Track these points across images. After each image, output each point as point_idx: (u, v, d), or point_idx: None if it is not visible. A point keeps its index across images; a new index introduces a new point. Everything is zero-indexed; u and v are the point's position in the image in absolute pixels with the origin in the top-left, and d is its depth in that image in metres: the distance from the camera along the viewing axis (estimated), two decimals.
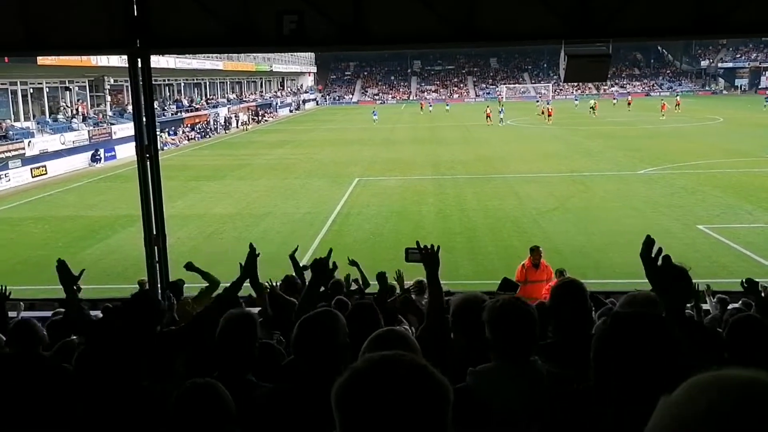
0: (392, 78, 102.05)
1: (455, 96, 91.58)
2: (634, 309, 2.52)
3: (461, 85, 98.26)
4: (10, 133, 28.48)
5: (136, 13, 7.91)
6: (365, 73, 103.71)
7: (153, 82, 9.30)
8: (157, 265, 9.03)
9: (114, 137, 35.62)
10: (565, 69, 8.02)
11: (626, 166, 27.47)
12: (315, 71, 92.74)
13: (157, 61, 35.66)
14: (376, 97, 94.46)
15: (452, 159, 31.14)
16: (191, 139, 45.44)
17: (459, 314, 2.88)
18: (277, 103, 71.59)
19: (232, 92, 63.47)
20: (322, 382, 2.44)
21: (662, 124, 46.22)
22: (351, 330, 2.58)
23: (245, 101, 63.00)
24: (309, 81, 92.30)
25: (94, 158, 33.13)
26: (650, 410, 0.93)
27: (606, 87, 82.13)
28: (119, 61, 28.84)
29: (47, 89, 33.73)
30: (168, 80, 48.83)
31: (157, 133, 9.76)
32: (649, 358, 1.48)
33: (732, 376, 0.90)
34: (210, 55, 48.86)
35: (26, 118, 31.61)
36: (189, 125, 47.23)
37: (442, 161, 30.72)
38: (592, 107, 55.02)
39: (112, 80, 39.17)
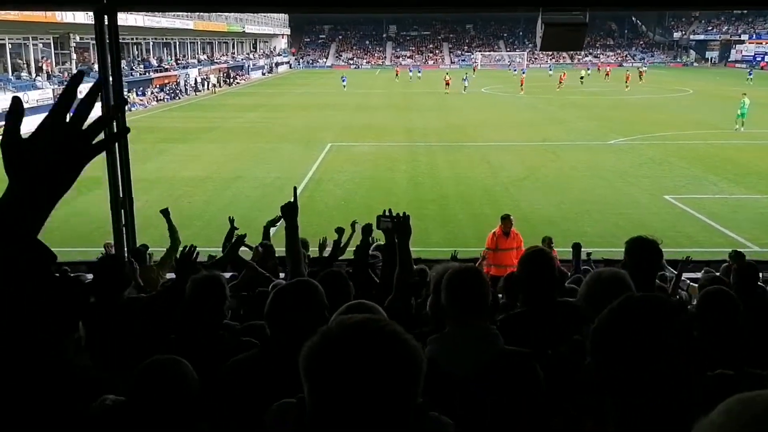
0: (367, 42, 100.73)
1: (430, 62, 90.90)
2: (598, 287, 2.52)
3: (437, 51, 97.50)
4: None
5: None
6: (340, 37, 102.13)
7: (120, 41, 9.00)
8: (124, 228, 8.89)
9: (79, 96, 34.56)
10: (542, 37, 7.98)
11: (597, 136, 27.73)
12: (288, 33, 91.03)
13: (125, 18, 34.56)
14: (351, 62, 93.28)
15: (425, 126, 31.06)
16: (160, 100, 44.44)
17: (452, 284, 2.85)
18: (249, 66, 70.24)
19: (203, 53, 62.05)
20: (293, 349, 2.49)
21: (627, 95, 46.63)
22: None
23: (216, 62, 61.68)
24: (282, 43, 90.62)
25: None
26: (657, 403, 0.87)
27: (580, 57, 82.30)
28: (86, 17, 27.84)
29: (9, 45, 32.49)
30: (136, 39, 47.45)
31: (125, 93, 9.51)
32: (665, 350, 1.37)
33: None
34: (180, 13, 47.52)
35: None
36: (158, 86, 46.11)
37: (415, 128, 30.61)
38: (582, 78, 54.52)
39: (78, 38, 37.89)
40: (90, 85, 1.16)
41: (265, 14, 71.23)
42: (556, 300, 3.03)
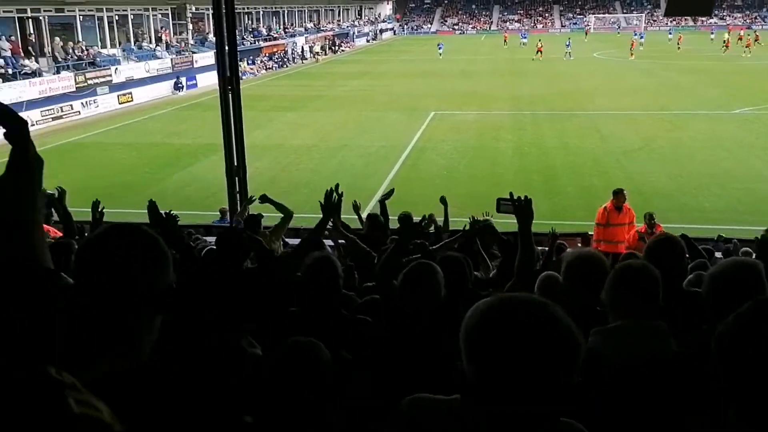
0: (473, 7, 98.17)
1: (539, 26, 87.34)
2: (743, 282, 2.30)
3: (546, 15, 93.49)
4: (98, 60, 29.50)
5: None
6: (445, 2, 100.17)
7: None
8: (238, 195, 9.32)
9: (195, 65, 36.32)
10: (667, 2, 7.41)
11: (720, 104, 25.66)
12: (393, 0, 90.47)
13: None
14: (456, 27, 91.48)
15: (532, 93, 30.05)
16: (269, 68, 45.75)
17: (574, 272, 2.76)
18: (354, 33, 70.64)
19: (310, 21, 63.01)
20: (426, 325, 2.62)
21: (754, 60, 42.63)
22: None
23: (323, 30, 62.48)
24: (387, 10, 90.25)
25: (177, 86, 34.01)
26: None
27: (704, 19, 76.04)
28: None
29: (131, 16, 34.48)
30: (247, 8, 48.89)
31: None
32: None
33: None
34: None
35: (112, 46, 32.58)
36: (267, 54, 47.43)
37: (521, 95, 29.70)
38: (725, 42, 48.46)
39: (193, 8, 39.57)
40: None
41: None
42: (683, 291, 2.84)
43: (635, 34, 54.79)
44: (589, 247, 9.31)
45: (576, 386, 1.19)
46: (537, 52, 46.46)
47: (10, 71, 24.23)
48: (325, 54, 57.16)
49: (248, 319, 2.86)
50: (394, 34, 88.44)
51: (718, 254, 7.42)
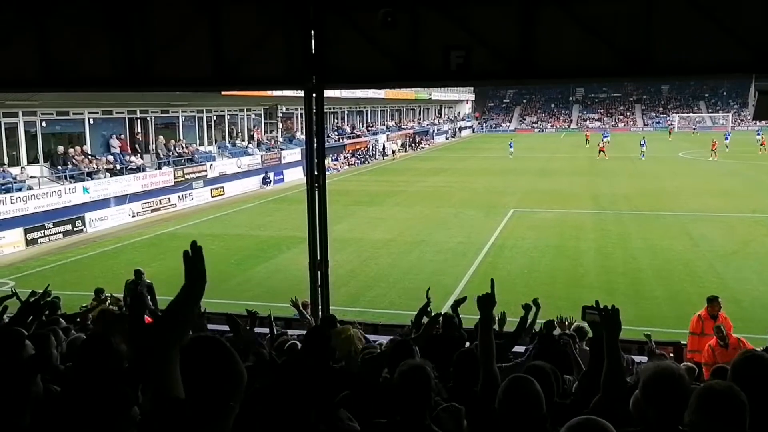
0: (552, 106, 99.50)
1: (620, 125, 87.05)
2: None
3: (627, 114, 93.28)
4: (196, 156, 31.65)
5: (313, 51, 8.44)
6: (524, 101, 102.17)
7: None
8: (320, 289, 9.47)
9: (283, 162, 38.22)
10: (756, 105, 7.26)
11: None
12: (473, 99, 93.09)
13: (327, 90, 37.78)
14: (535, 125, 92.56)
15: (614, 192, 29.53)
16: (351, 164, 47.49)
17: (652, 387, 2.61)
18: (433, 131, 72.74)
19: (392, 120, 65.53)
20: None
21: None
22: None
23: (403, 128, 64.71)
24: (466, 108, 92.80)
25: (265, 181, 35.75)
26: None
27: None
28: (292, 90, 30.87)
29: (228, 116, 37.08)
30: (333, 108, 51.60)
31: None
32: None
33: None
34: None
35: (209, 143, 34.97)
36: (350, 151, 49.42)
37: (602, 194, 29.24)
38: None
39: (284, 108, 42.15)
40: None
41: None
42: None
43: (726, 136, 52.83)
44: (681, 358, 8.76)
45: None
46: (599, 152, 45.99)
47: (118, 167, 26.36)
48: (405, 151, 58.87)
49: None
50: (473, 131, 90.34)
51: None
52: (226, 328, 8.09)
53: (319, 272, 9.34)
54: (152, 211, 27.00)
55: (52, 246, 21.28)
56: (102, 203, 24.62)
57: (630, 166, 40.98)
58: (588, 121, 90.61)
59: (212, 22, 8.54)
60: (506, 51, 7.76)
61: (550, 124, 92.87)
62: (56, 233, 22.13)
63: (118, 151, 27.29)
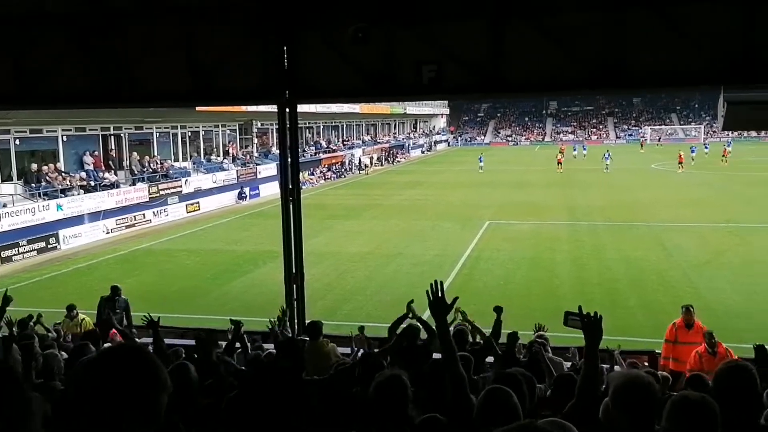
0: (526, 119, 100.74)
1: (593, 138, 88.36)
2: None
3: (600, 127, 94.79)
4: (171, 172, 31.36)
5: (287, 66, 8.45)
6: (498, 114, 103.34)
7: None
8: (295, 302, 9.41)
9: (259, 176, 38.06)
10: (725, 117, 7.42)
11: None
12: (447, 113, 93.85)
13: (300, 105, 37.80)
14: (509, 139, 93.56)
15: (588, 204, 29.90)
16: (327, 178, 47.46)
17: (622, 395, 2.63)
18: (409, 145, 73.09)
19: (367, 134, 65.72)
20: None
21: None
22: None
23: (379, 143, 64.92)
24: (441, 122, 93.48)
25: (241, 196, 35.55)
26: None
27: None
28: (267, 106, 30.78)
29: (203, 132, 36.87)
30: (309, 123, 51.60)
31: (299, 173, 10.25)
32: None
33: None
34: None
35: (184, 159, 34.70)
36: (326, 165, 49.42)
37: (577, 206, 29.59)
38: None
39: (259, 123, 42.06)
40: None
41: None
42: (759, 425, 2.62)
43: (692, 149, 53.03)
44: (656, 366, 8.83)
45: None
46: (558, 164, 46.30)
47: (92, 183, 26.03)
48: (381, 165, 59.05)
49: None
50: (449, 145, 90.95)
51: None
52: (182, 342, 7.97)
53: (294, 286, 9.30)
54: (127, 227, 26.66)
55: (27, 263, 20.96)
56: (76, 220, 24.32)
57: (604, 179, 41.56)
58: (562, 134, 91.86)
59: (188, 37, 8.52)
60: (477, 65, 7.85)
61: (524, 137, 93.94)
62: (30, 250, 21.83)
63: (91, 167, 27.00)
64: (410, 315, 6.90)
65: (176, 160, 33.76)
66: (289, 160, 9.32)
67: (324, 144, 52.64)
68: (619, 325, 12.64)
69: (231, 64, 8.50)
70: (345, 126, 60.21)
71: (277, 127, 9.33)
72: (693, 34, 7.14)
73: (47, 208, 23.05)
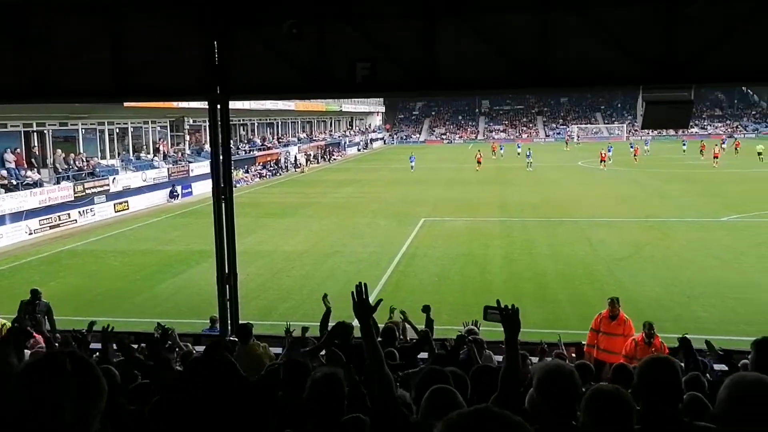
0: (460, 118, 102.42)
1: (524, 136, 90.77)
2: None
3: (531, 125, 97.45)
4: (98, 170, 30.14)
5: (217, 62, 8.27)
6: (433, 113, 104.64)
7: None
8: (228, 303, 9.24)
9: (191, 174, 37.11)
10: (643, 115, 7.77)
11: (708, 212, 26.23)
12: (383, 111, 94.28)
13: (234, 102, 37.11)
14: (443, 137, 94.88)
15: (521, 201, 30.69)
16: (263, 176, 46.80)
17: (545, 384, 2.69)
18: (345, 142, 72.99)
19: (303, 131, 65.21)
20: None
21: (738, 168, 44.11)
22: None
23: (315, 140, 64.54)
24: (377, 120, 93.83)
25: (172, 194, 34.55)
26: None
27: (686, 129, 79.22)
28: (199, 102, 30.08)
29: (132, 129, 35.63)
30: (243, 120, 50.72)
31: (232, 171, 10.07)
32: None
33: None
34: None
35: (112, 156, 33.43)
36: (261, 163, 48.71)
37: (509, 203, 30.32)
38: (759, 153, 47.92)
39: (191, 120, 41.01)
40: None
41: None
42: (682, 421, 2.68)
43: (609, 148, 53.48)
44: (583, 357, 9.16)
45: None
46: (477, 163, 47.18)
47: (13, 182, 24.70)
48: (318, 163, 58.73)
49: None
50: (384, 143, 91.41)
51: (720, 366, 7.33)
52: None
53: (227, 286, 9.12)
54: (51, 227, 25.48)
55: None
56: None
57: (535, 176, 42.73)
58: (494, 132, 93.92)
59: (114, 32, 8.22)
60: (410, 63, 7.92)
61: (458, 136, 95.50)
62: None
63: (13, 165, 25.60)
64: (329, 310, 7.03)
65: (103, 157, 32.51)
66: (221, 157, 9.13)
67: (259, 141, 51.87)
68: (549, 318, 13.13)
69: (159, 59, 8.25)
70: (280, 123, 59.54)
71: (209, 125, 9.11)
72: (615, 37, 7.45)
73: None
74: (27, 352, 6.17)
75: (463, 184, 39.01)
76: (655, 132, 75.96)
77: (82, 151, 30.37)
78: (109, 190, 29.51)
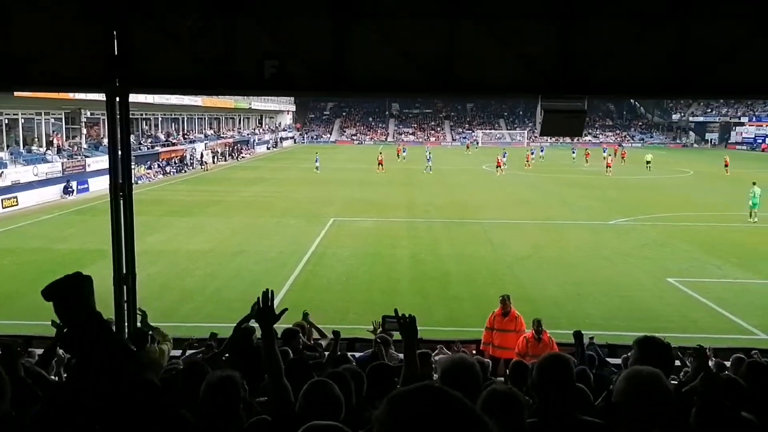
0: (370, 119, 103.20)
1: (432, 139, 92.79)
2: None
3: (438, 129, 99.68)
4: None
5: (116, 52, 7.92)
6: (344, 114, 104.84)
7: (130, 116, 9.26)
8: (125, 304, 8.84)
9: (88, 170, 35.21)
10: (542, 123, 8.18)
11: (598, 215, 27.92)
12: (293, 110, 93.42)
13: (136, 96, 35.59)
14: (354, 138, 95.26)
15: (427, 202, 31.36)
16: (167, 173, 45.11)
17: (450, 376, 2.83)
18: (254, 140, 71.69)
19: (210, 128, 63.47)
20: None
21: (625, 175, 47.25)
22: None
23: (223, 137, 62.98)
24: (287, 119, 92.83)
25: (67, 190, 32.63)
26: None
27: (580, 137, 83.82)
28: (96, 94, 28.52)
29: (22, 120, 33.36)
30: (145, 114, 48.72)
31: (132, 166, 9.67)
32: None
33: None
34: None
35: (0, 149, 31.16)
36: (165, 160, 46.96)
37: (416, 204, 30.91)
38: (648, 161, 51.60)
39: (88, 113, 38.95)
40: None
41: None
42: (575, 417, 2.82)
43: (503, 154, 55.02)
44: (484, 354, 9.53)
45: None
46: (378, 165, 48.03)
47: None
48: (225, 160, 57.35)
49: None
50: (295, 142, 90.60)
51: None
52: None
53: (125, 287, 8.73)
54: None
55: None
56: None
57: (441, 179, 43.77)
58: (403, 135, 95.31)
59: (3, 17, 7.67)
60: (319, 62, 7.92)
61: (368, 137, 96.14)
62: None
63: None
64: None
65: None
66: (120, 153, 8.73)
67: (162, 137, 49.96)
68: (452, 316, 13.54)
69: (53, 47, 7.79)
70: (186, 119, 57.67)
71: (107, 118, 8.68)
72: (516, 48, 7.80)
73: None
74: None
75: (372, 185, 39.35)
76: (553, 139, 79.96)
77: None
78: None
